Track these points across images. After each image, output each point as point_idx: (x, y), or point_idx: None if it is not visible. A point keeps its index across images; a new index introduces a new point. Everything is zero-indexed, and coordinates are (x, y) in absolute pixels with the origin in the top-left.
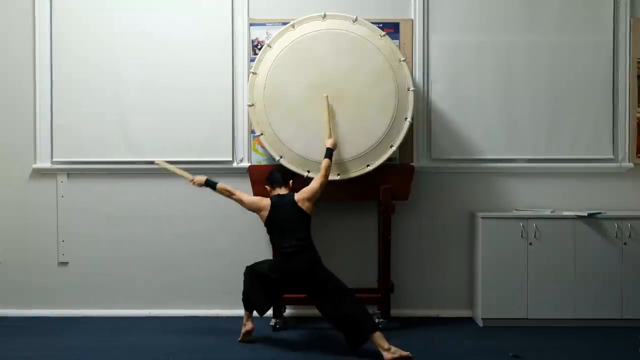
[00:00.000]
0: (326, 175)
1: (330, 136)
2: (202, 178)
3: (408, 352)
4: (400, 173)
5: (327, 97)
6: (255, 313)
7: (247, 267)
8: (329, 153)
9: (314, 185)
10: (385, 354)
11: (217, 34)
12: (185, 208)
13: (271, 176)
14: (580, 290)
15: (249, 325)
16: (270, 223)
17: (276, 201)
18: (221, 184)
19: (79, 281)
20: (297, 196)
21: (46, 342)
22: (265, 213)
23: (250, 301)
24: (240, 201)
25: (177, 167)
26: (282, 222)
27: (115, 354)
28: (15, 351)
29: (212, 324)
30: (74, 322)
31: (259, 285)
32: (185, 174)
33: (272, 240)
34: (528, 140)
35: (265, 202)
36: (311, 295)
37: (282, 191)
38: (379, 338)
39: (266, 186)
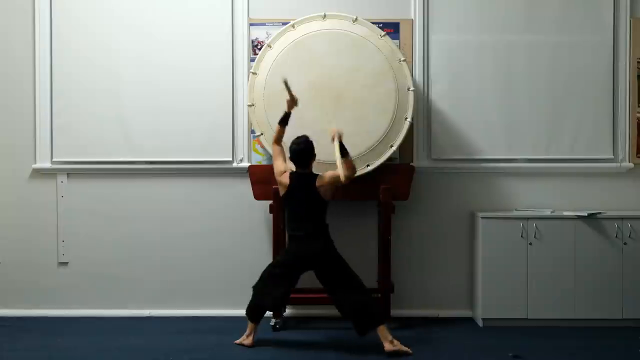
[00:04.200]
0: (353, 175)
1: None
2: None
3: (408, 348)
4: (400, 173)
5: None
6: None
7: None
8: (343, 149)
9: (334, 173)
10: (387, 345)
11: (217, 34)
12: (185, 208)
13: (295, 156)
14: (580, 290)
15: (248, 341)
16: (287, 200)
17: (295, 180)
18: (281, 132)
19: (79, 281)
20: (318, 181)
21: (46, 342)
22: (284, 190)
23: (257, 303)
24: (273, 160)
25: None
26: (298, 204)
27: (115, 354)
28: (15, 351)
29: (213, 324)
30: (74, 322)
31: (270, 281)
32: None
33: (286, 216)
34: (528, 140)
35: (285, 179)
36: (322, 281)
37: (303, 170)
38: (384, 330)
39: (289, 159)
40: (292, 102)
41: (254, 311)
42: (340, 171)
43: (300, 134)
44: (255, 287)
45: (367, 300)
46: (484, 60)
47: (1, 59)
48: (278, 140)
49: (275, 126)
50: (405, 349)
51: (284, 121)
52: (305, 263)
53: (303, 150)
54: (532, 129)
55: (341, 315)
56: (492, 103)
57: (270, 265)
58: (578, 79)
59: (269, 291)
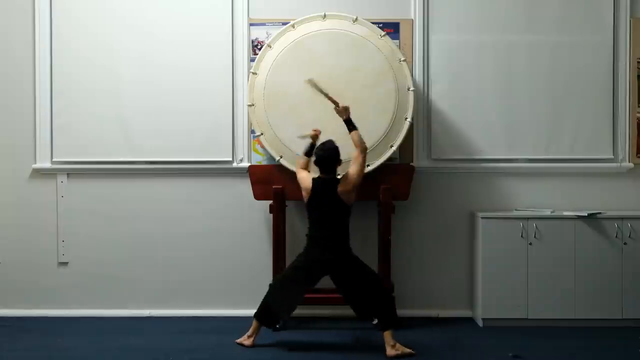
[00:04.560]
0: (364, 149)
1: (337, 105)
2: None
3: (410, 350)
4: (400, 173)
5: (310, 80)
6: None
7: (273, 280)
8: (350, 124)
9: (355, 171)
10: (389, 350)
11: (217, 34)
12: (184, 208)
13: (321, 161)
14: (580, 290)
15: (249, 342)
16: (310, 207)
17: (317, 186)
18: (305, 157)
19: (79, 281)
20: (340, 187)
21: (46, 342)
22: (306, 195)
23: (269, 304)
24: (297, 173)
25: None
26: (320, 210)
27: (115, 354)
28: (15, 351)
29: (213, 325)
30: (74, 322)
31: (280, 284)
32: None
33: (309, 220)
34: (528, 140)
35: (307, 183)
36: (339, 285)
37: (327, 175)
38: (388, 335)
39: (315, 164)
40: (315, 135)
41: (263, 313)
42: (356, 154)
43: (300, 134)
44: (269, 290)
45: (385, 295)
46: (484, 60)
47: (1, 59)
48: (304, 167)
49: (301, 157)
50: (407, 350)
51: (309, 152)
52: (322, 268)
53: (329, 156)
54: (532, 129)
55: (359, 316)
56: (492, 103)
57: (287, 268)
58: (578, 79)
59: (281, 296)
